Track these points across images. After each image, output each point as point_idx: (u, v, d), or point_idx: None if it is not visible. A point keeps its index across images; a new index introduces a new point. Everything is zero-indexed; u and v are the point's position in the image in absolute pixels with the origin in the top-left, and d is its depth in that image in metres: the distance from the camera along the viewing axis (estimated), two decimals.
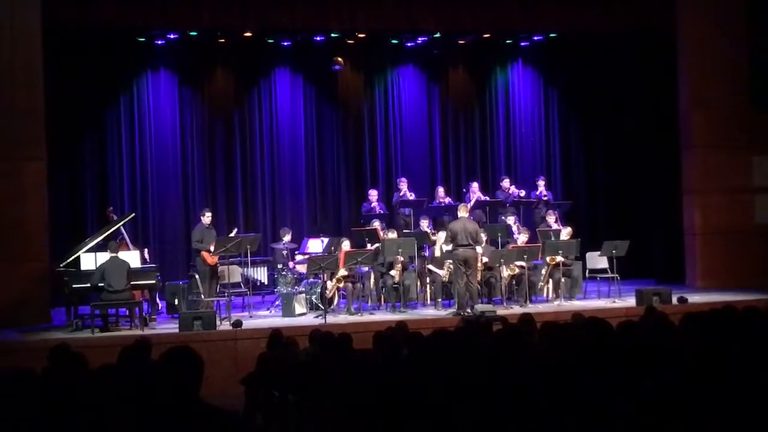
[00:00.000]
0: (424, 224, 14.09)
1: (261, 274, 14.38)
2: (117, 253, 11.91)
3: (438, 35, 15.87)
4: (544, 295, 13.72)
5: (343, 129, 16.55)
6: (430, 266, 13.45)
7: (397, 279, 12.91)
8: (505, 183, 15.63)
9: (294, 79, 16.38)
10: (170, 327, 11.91)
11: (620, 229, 15.41)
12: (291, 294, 12.73)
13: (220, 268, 13.17)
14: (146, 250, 13.63)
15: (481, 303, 12.53)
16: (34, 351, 9.56)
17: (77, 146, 15.07)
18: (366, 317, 12.33)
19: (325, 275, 12.59)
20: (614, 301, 13.20)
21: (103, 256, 11.97)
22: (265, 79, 16.28)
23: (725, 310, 6.87)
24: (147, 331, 11.28)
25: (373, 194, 15.28)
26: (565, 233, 13.87)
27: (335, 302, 12.92)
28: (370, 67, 16.71)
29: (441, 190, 15.37)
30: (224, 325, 11.70)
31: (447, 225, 13.44)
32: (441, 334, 6.80)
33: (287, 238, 14.16)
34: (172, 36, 14.93)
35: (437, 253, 13.50)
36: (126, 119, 15.43)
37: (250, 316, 12.58)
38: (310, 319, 12.20)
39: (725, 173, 15.06)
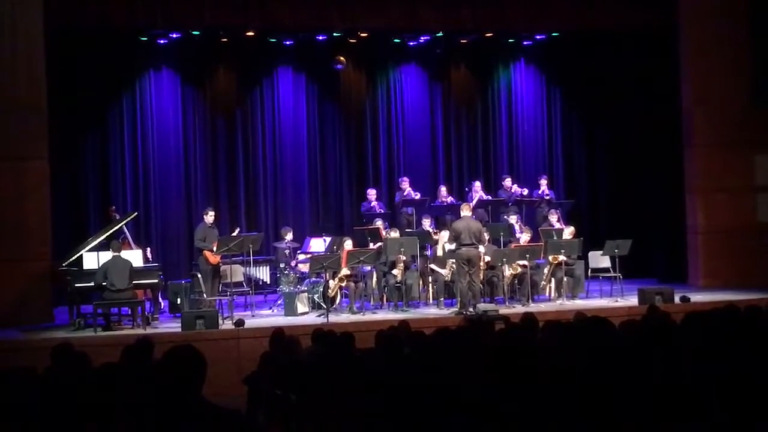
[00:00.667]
0: (426, 223, 14.09)
1: (263, 274, 14.38)
2: (119, 252, 11.93)
3: (440, 34, 15.85)
4: (547, 294, 13.71)
5: (345, 128, 16.55)
6: (433, 265, 13.45)
7: (399, 278, 12.91)
8: (508, 182, 15.62)
9: (296, 78, 16.37)
10: (173, 326, 11.92)
11: (622, 228, 15.38)
12: (293, 293, 12.74)
13: (222, 267, 13.18)
14: (149, 249, 13.65)
15: (484, 302, 12.53)
16: (37, 350, 9.59)
17: (79, 145, 15.08)
18: (368, 316, 12.33)
19: (328, 274, 12.60)
20: (616, 301, 13.20)
21: (106, 255, 11.98)
22: (268, 78, 16.28)
23: (727, 309, 6.87)
24: (149, 331, 11.30)
25: (372, 193, 15.27)
26: (568, 232, 13.87)
27: (337, 301, 12.93)
28: (373, 66, 16.70)
29: (443, 189, 15.36)
30: (226, 325, 11.71)
31: (450, 224, 13.45)
32: (443, 333, 6.80)
33: (289, 237, 14.17)
34: (174, 35, 14.92)
35: (439, 253, 13.50)
36: (128, 118, 15.43)
37: (253, 316, 12.59)
38: (313, 319, 12.21)
39: (728, 172, 15.04)
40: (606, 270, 13.81)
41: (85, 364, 6.18)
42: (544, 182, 15.67)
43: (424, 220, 14.22)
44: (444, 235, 13.38)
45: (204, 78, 15.94)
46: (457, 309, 12.40)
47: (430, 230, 13.95)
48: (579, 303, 13.10)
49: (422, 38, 16.12)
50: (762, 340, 6.03)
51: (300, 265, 13.64)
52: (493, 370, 4.93)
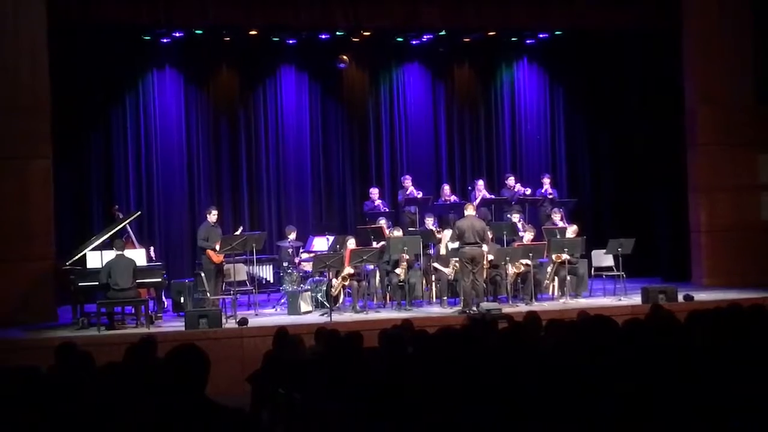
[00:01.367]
0: (429, 222, 14.09)
1: (267, 272, 14.39)
2: (123, 251, 11.93)
3: (443, 33, 15.85)
4: (550, 293, 13.71)
5: (348, 127, 16.55)
6: (436, 264, 13.44)
7: (402, 277, 12.91)
8: (511, 181, 15.62)
9: (299, 77, 16.38)
10: (176, 325, 11.94)
11: (626, 226, 15.36)
12: (296, 292, 12.75)
13: (225, 266, 13.19)
14: (152, 248, 13.67)
15: (487, 301, 12.52)
16: (40, 349, 9.61)
17: (83, 144, 15.10)
18: (371, 315, 12.33)
19: (331, 273, 12.60)
20: (620, 299, 13.19)
21: (109, 255, 12.00)
22: (271, 77, 16.29)
23: (731, 308, 6.85)
24: (153, 329, 11.30)
25: (375, 192, 15.25)
26: (571, 231, 13.86)
27: (341, 300, 12.94)
28: (375, 65, 16.70)
29: (446, 188, 15.36)
30: (230, 323, 11.72)
31: (453, 223, 13.44)
32: (446, 332, 6.79)
33: (293, 236, 14.18)
34: (177, 34, 14.93)
35: (442, 251, 13.50)
36: (131, 117, 15.45)
37: (256, 314, 12.59)
38: (316, 317, 12.21)
39: (731, 171, 15.03)
40: (609, 269, 13.80)
41: (89, 363, 6.19)
42: (547, 181, 15.66)
43: (427, 218, 14.21)
44: (447, 234, 13.38)
45: (207, 77, 15.95)
46: (460, 308, 12.40)
47: (433, 229, 13.95)
48: (582, 302, 13.10)
49: (425, 37, 16.11)
50: (765, 338, 6.02)
51: (303, 264, 13.65)
52: (495, 370, 4.93)
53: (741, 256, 14.79)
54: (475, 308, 12.08)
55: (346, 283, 12.85)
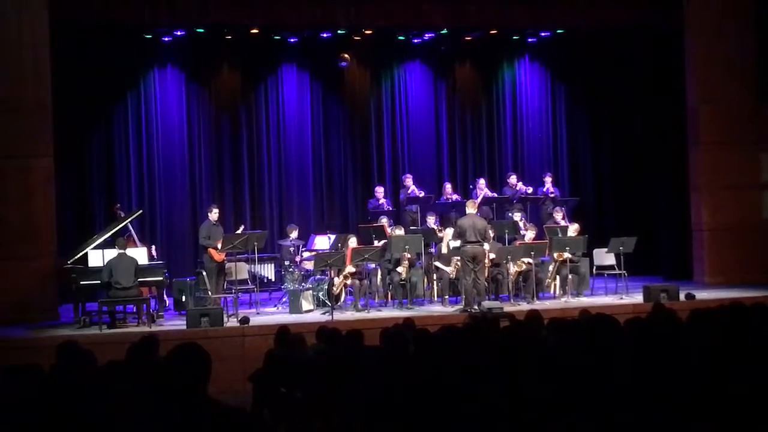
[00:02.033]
0: (431, 221, 14.09)
1: (268, 271, 14.39)
2: (125, 249, 11.94)
3: (445, 31, 15.85)
4: (551, 291, 13.72)
5: (349, 125, 16.55)
6: (437, 263, 13.44)
7: (404, 276, 12.91)
8: (512, 179, 15.61)
9: (301, 76, 16.37)
10: (177, 324, 11.94)
11: (627, 225, 15.36)
12: (298, 291, 12.76)
13: (227, 265, 13.21)
14: (154, 246, 13.68)
15: (488, 300, 12.51)
16: (42, 348, 9.59)
17: (85, 143, 15.11)
18: (373, 314, 12.33)
19: (332, 272, 12.61)
20: (621, 298, 13.19)
21: (111, 253, 12.00)
22: (272, 75, 16.28)
23: (733, 306, 6.84)
24: (154, 328, 11.31)
25: (380, 191, 15.28)
26: (572, 230, 13.85)
27: (342, 299, 12.94)
28: (377, 64, 16.69)
29: (448, 187, 15.36)
30: (231, 322, 11.72)
31: (455, 221, 13.44)
32: (448, 330, 6.79)
33: (294, 234, 14.18)
34: (179, 32, 14.94)
35: (444, 250, 13.49)
36: (133, 116, 15.45)
37: (257, 313, 12.60)
38: (317, 316, 12.22)
39: (733, 170, 15.02)
40: (611, 267, 13.79)
41: (91, 361, 6.18)
42: (548, 179, 15.66)
43: (428, 217, 14.22)
44: (449, 233, 13.38)
45: (208, 76, 15.95)
46: (461, 306, 12.41)
47: (435, 228, 13.96)
48: (584, 300, 13.10)
49: (427, 35, 16.11)
50: None
51: (305, 263, 13.65)
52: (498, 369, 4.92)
53: (743, 255, 14.78)
54: (476, 307, 12.07)
55: (348, 282, 12.85)
